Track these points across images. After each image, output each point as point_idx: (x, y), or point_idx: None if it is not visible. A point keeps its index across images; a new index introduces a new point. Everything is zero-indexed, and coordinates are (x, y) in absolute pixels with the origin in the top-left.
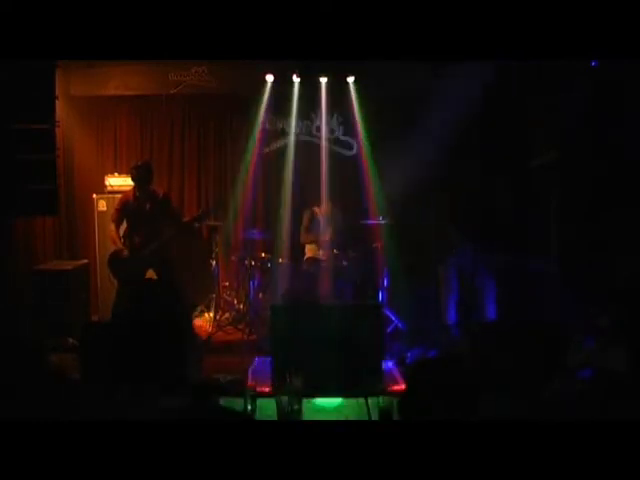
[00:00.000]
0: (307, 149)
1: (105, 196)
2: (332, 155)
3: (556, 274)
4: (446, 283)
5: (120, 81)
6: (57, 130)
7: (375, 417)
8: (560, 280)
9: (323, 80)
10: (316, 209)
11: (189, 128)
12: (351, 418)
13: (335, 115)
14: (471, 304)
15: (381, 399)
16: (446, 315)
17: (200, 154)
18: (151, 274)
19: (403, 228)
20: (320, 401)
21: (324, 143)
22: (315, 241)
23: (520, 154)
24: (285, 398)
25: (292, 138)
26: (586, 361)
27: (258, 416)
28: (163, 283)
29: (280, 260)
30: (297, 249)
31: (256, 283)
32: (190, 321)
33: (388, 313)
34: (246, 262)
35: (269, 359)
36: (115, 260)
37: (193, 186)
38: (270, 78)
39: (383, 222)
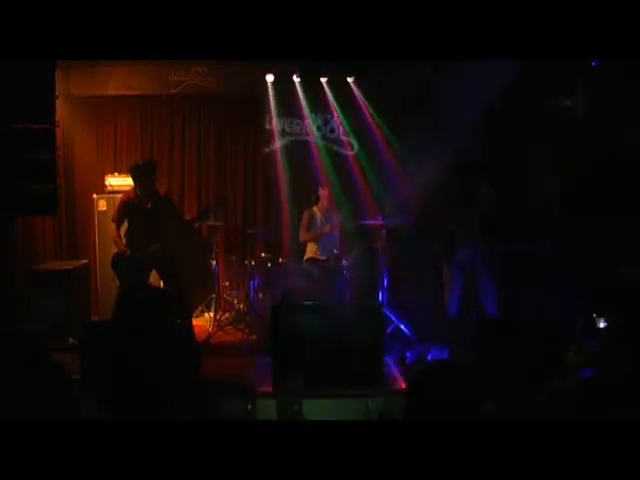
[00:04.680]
0: (307, 149)
1: (105, 196)
2: (332, 155)
3: (557, 275)
4: (450, 280)
5: (120, 81)
6: (57, 130)
7: (375, 417)
8: (561, 281)
9: (323, 80)
10: (316, 209)
11: (189, 128)
12: (351, 418)
13: (335, 115)
14: (472, 300)
15: (381, 399)
16: (447, 309)
17: (200, 154)
18: (154, 275)
19: (402, 227)
20: (320, 401)
21: (324, 143)
22: (315, 239)
23: (522, 153)
24: (285, 398)
25: (292, 138)
26: (586, 361)
27: (258, 416)
28: (156, 292)
29: (280, 260)
30: (297, 249)
31: (256, 283)
32: (186, 326)
33: (388, 313)
34: (246, 262)
35: (269, 359)
36: (118, 261)
37: (193, 186)
38: (270, 78)
39: (383, 222)
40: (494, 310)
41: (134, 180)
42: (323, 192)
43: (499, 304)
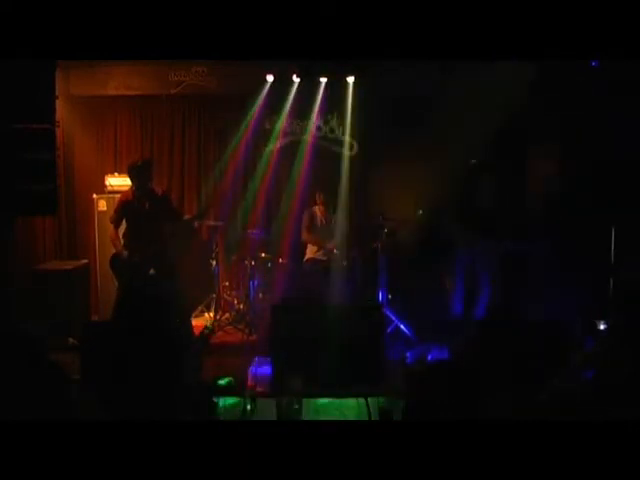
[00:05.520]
0: (306, 149)
1: (105, 196)
2: (332, 155)
3: (557, 275)
4: (450, 280)
5: (120, 81)
6: (57, 130)
7: (375, 417)
8: (561, 281)
9: (323, 80)
10: (316, 208)
11: (189, 128)
12: (351, 418)
13: (335, 115)
14: (474, 299)
15: (381, 399)
16: (450, 309)
17: (200, 154)
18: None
19: (402, 227)
20: (320, 401)
21: (323, 143)
22: (316, 242)
23: (521, 152)
24: (285, 398)
25: (291, 138)
26: (586, 361)
27: (258, 416)
28: (154, 291)
29: (280, 260)
30: (297, 249)
31: (256, 283)
32: (186, 326)
33: (388, 313)
34: (246, 262)
35: (269, 359)
36: (117, 262)
37: (193, 186)
38: (270, 78)
39: (383, 222)
40: (482, 312)
41: (131, 179)
42: (319, 197)
43: (499, 304)
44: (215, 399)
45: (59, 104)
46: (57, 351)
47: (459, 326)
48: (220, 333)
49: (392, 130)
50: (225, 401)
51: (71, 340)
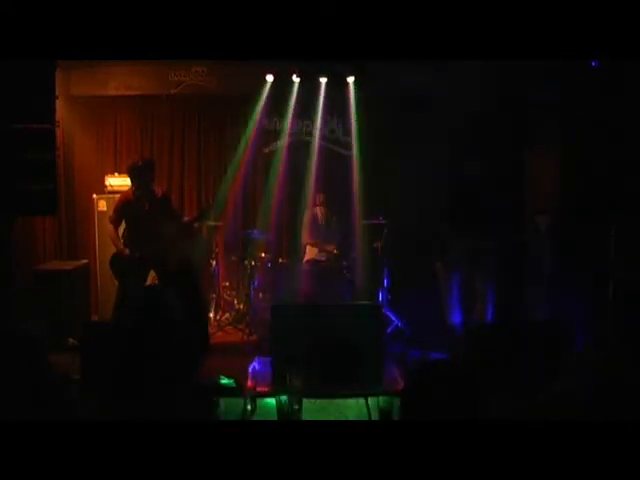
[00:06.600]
0: (307, 149)
1: (105, 196)
2: (332, 155)
3: (556, 274)
4: (446, 282)
5: (120, 81)
6: (57, 130)
7: (375, 417)
8: (560, 281)
9: (323, 80)
10: (317, 209)
11: (189, 128)
12: (351, 418)
13: (335, 115)
14: (471, 304)
15: (381, 399)
16: (449, 315)
17: (200, 154)
18: (153, 275)
19: (402, 227)
20: (320, 401)
21: (324, 143)
22: (316, 243)
23: (519, 153)
24: (285, 398)
25: (292, 138)
26: (586, 362)
27: (258, 416)
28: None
29: (280, 260)
30: (297, 249)
31: (256, 283)
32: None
33: (388, 313)
34: (246, 262)
35: (269, 359)
36: (117, 262)
37: (193, 186)
38: (270, 78)
39: (383, 222)
40: (491, 313)
41: (132, 180)
42: (320, 197)
43: (497, 305)
44: (215, 399)
45: (59, 104)
46: (57, 351)
47: (459, 333)
48: (220, 333)
49: (392, 130)
50: (225, 401)
51: (71, 340)
